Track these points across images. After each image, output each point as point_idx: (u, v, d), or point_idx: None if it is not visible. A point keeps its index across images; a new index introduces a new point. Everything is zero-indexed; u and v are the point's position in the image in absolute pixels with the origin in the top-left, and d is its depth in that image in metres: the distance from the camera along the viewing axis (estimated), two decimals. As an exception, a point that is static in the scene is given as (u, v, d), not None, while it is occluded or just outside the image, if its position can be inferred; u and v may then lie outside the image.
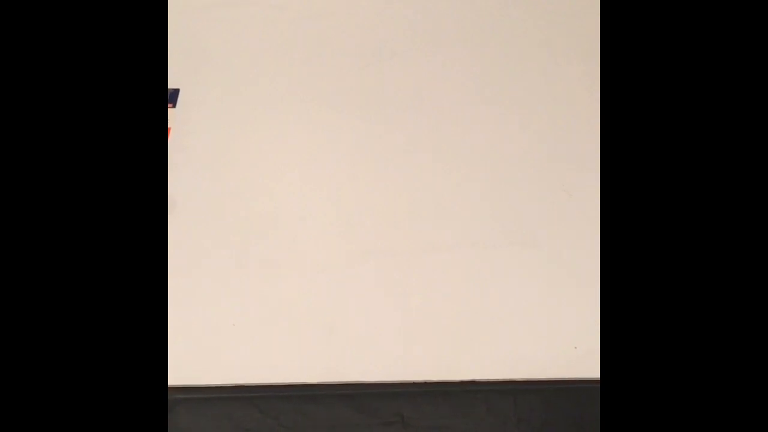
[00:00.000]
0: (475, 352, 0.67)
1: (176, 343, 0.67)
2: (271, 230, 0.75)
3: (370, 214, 0.76)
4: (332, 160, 0.81)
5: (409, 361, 0.66)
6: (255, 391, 0.65)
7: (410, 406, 0.64)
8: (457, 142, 0.83)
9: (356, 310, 0.69)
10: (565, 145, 0.82)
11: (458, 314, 0.69)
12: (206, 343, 0.67)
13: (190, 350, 0.67)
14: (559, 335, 0.67)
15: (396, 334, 0.68)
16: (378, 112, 0.86)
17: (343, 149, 0.82)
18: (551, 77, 0.89)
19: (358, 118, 0.85)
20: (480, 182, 0.79)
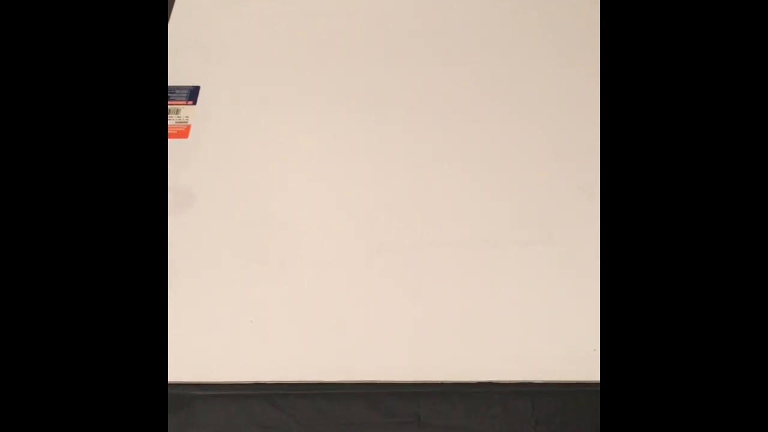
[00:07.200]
0: (493, 353, 0.66)
1: (194, 341, 0.67)
2: (289, 228, 0.75)
3: (388, 211, 0.76)
4: (345, 157, 0.81)
5: (425, 361, 0.66)
6: (272, 389, 0.65)
7: (426, 406, 0.64)
8: (470, 138, 0.82)
9: (373, 308, 0.69)
10: (581, 142, 0.81)
11: (475, 314, 0.69)
12: (224, 341, 0.68)
13: (208, 347, 0.67)
14: (578, 336, 0.67)
15: (413, 334, 0.68)
16: (390, 108, 0.86)
17: (355, 146, 0.82)
18: (565, 74, 0.88)
19: (371, 115, 0.85)
20: (494, 179, 0.79)
